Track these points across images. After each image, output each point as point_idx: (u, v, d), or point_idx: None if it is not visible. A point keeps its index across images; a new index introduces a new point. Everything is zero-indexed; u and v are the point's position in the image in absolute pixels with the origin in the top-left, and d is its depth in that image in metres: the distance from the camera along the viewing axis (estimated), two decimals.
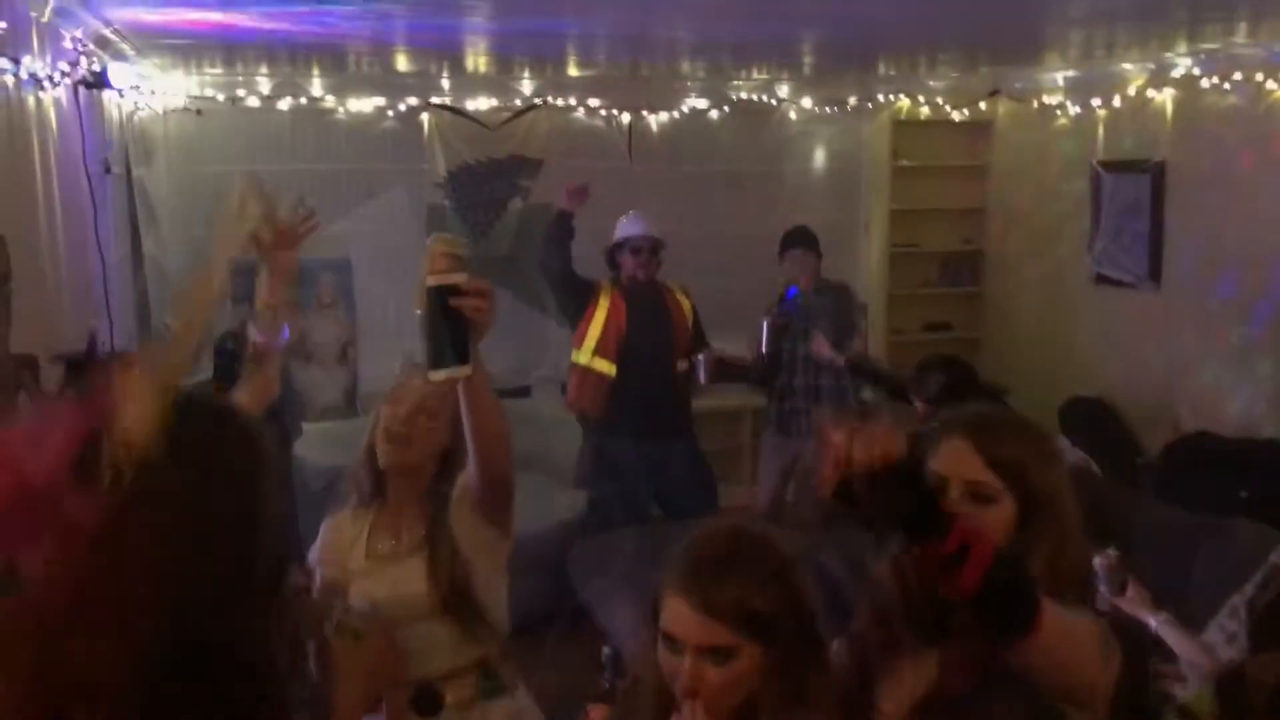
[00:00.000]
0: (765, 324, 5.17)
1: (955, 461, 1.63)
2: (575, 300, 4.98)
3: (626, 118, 6.60)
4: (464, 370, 1.74)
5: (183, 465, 1.38)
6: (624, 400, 4.84)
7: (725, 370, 5.30)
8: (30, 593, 1.36)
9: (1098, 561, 2.92)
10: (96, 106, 4.07)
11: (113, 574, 1.34)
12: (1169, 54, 5.36)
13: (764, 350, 5.18)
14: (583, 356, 4.91)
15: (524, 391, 6.64)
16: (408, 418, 2.25)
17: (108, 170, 4.20)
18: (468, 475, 2.15)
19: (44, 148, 3.17)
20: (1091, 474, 4.50)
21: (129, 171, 4.92)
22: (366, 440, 2.33)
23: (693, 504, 4.77)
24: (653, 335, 4.88)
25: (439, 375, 1.72)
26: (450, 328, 1.69)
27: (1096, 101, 5.99)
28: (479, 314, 1.70)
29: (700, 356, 4.90)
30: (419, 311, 1.72)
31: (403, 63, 5.79)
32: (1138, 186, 5.69)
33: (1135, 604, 2.92)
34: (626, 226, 4.98)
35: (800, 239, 5.31)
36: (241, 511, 1.43)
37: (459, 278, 1.69)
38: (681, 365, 5.00)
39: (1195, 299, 5.41)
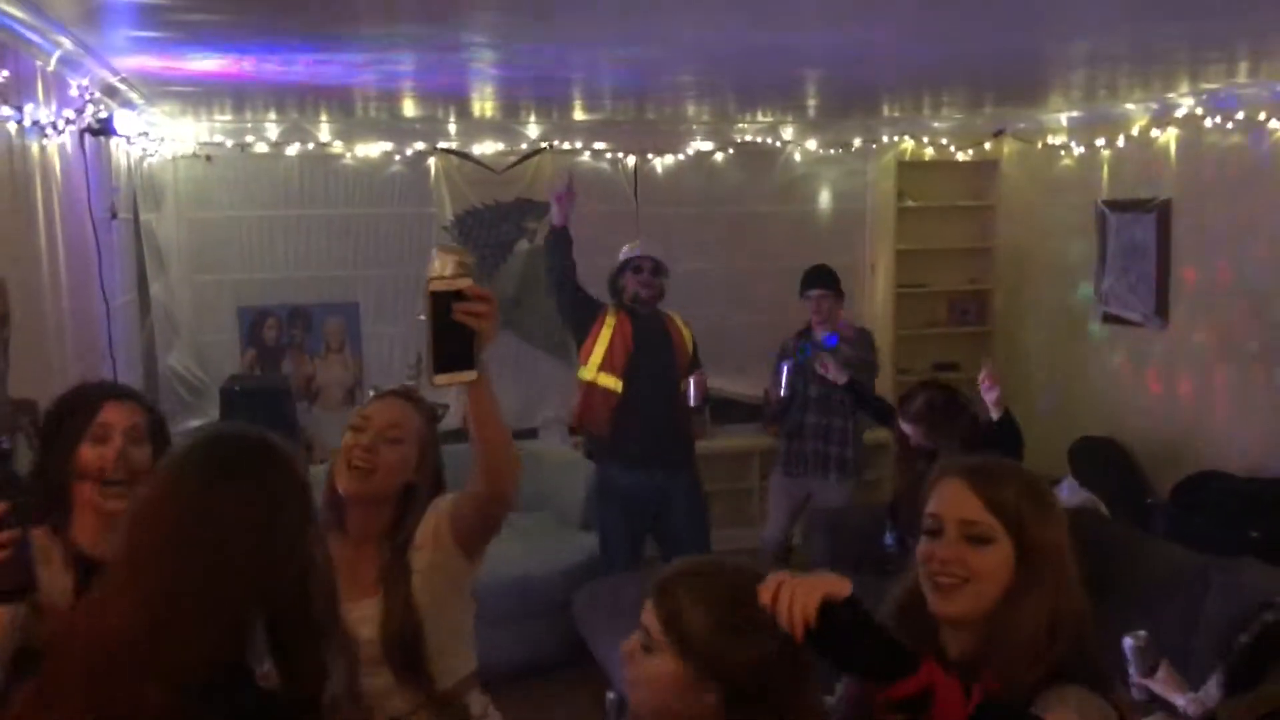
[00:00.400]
0: (785, 366, 5.15)
1: (951, 501, 1.63)
2: (580, 313, 4.95)
3: (632, 160, 6.64)
4: (469, 375, 1.71)
5: (234, 500, 1.51)
6: (629, 419, 4.81)
7: (722, 403, 5.28)
8: (80, 636, 1.48)
9: (1128, 643, 2.90)
10: (103, 153, 4.12)
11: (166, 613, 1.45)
12: (1171, 94, 5.38)
13: (782, 393, 5.18)
14: (588, 373, 4.89)
15: (530, 434, 6.64)
16: (370, 445, 2.13)
17: (114, 216, 4.24)
18: (462, 494, 2.08)
19: (47, 193, 3.20)
20: (1099, 514, 4.46)
21: (136, 217, 4.96)
22: (328, 467, 2.23)
23: (687, 538, 4.72)
24: (657, 356, 4.86)
25: (442, 379, 1.71)
26: (454, 333, 1.68)
27: (1100, 141, 6.01)
28: (482, 321, 1.69)
29: (691, 378, 4.84)
30: (421, 317, 1.71)
31: (410, 108, 5.85)
32: (1143, 225, 5.68)
33: (1166, 686, 2.88)
34: (629, 250, 5.01)
35: (822, 279, 5.31)
36: (292, 542, 1.55)
37: (464, 283, 1.69)
38: (683, 387, 4.97)
39: (1203, 337, 5.39)
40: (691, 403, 4.84)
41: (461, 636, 2.26)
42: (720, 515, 6.43)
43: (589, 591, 4.76)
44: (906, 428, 4.16)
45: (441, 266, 1.73)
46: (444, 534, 2.14)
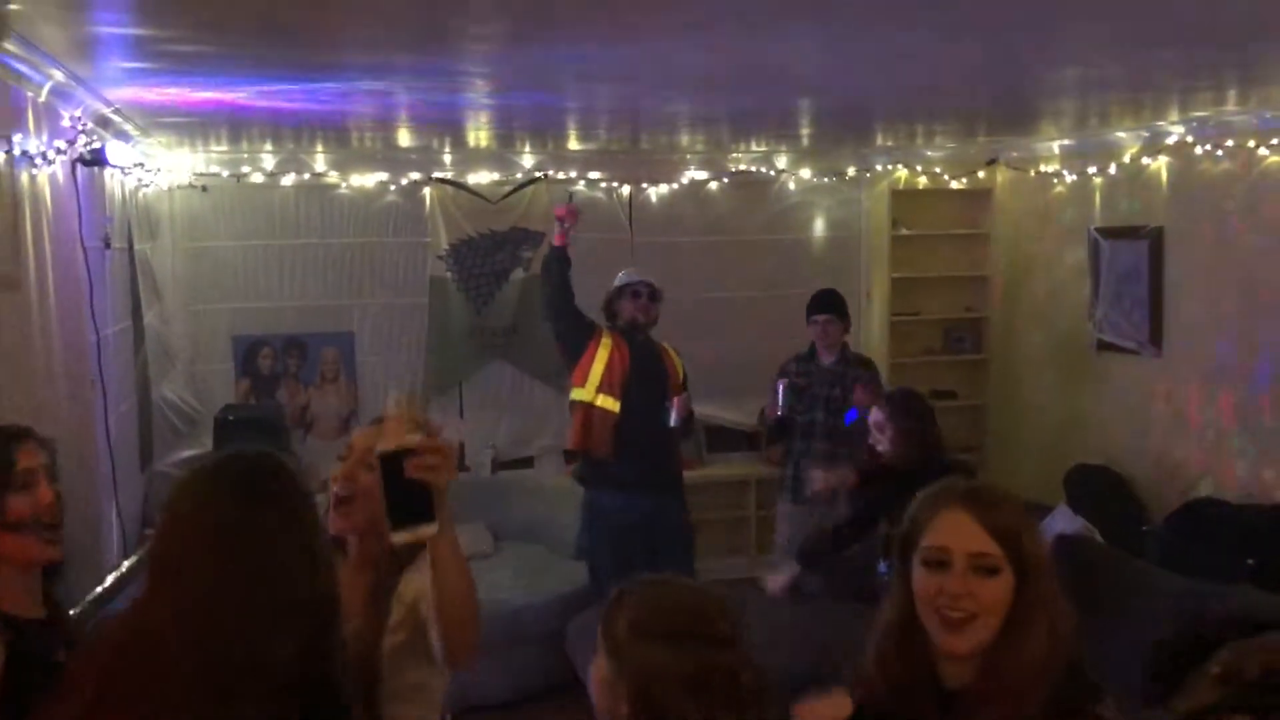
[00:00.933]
0: (781, 385, 5.16)
1: (958, 534, 1.62)
2: (577, 338, 4.96)
3: (627, 190, 6.67)
4: (429, 529, 1.71)
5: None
6: (624, 441, 4.82)
7: (716, 431, 5.27)
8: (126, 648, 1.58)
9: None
10: (96, 183, 4.13)
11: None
12: (1162, 122, 5.40)
13: (780, 413, 5.17)
14: (586, 394, 4.89)
15: (526, 462, 6.64)
16: (348, 474, 2.12)
17: (108, 245, 4.25)
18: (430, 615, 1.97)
19: (36, 223, 3.20)
20: (1094, 542, 4.45)
21: (131, 247, 4.97)
22: (324, 505, 2.20)
23: (673, 565, 4.68)
24: (651, 381, 4.89)
25: (401, 536, 1.71)
26: (408, 488, 1.69)
27: (1093, 169, 6.03)
28: (433, 473, 1.69)
29: (675, 399, 4.84)
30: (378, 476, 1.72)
31: (405, 138, 5.88)
32: (1136, 252, 5.69)
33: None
34: (625, 275, 5.04)
35: (829, 304, 5.32)
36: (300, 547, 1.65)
37: (413, 440, 1.70)
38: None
39: (1197, 363, 5.39)
40: (671, 422, 4.82)
41: (424, 694, 2.17)
42: (716, 543, 6.43)
43: (581, 620, 4.74)
44: (877, 418, 4.14)
45: (392, 430, 1.74)
46: (417, 652, 2.07)
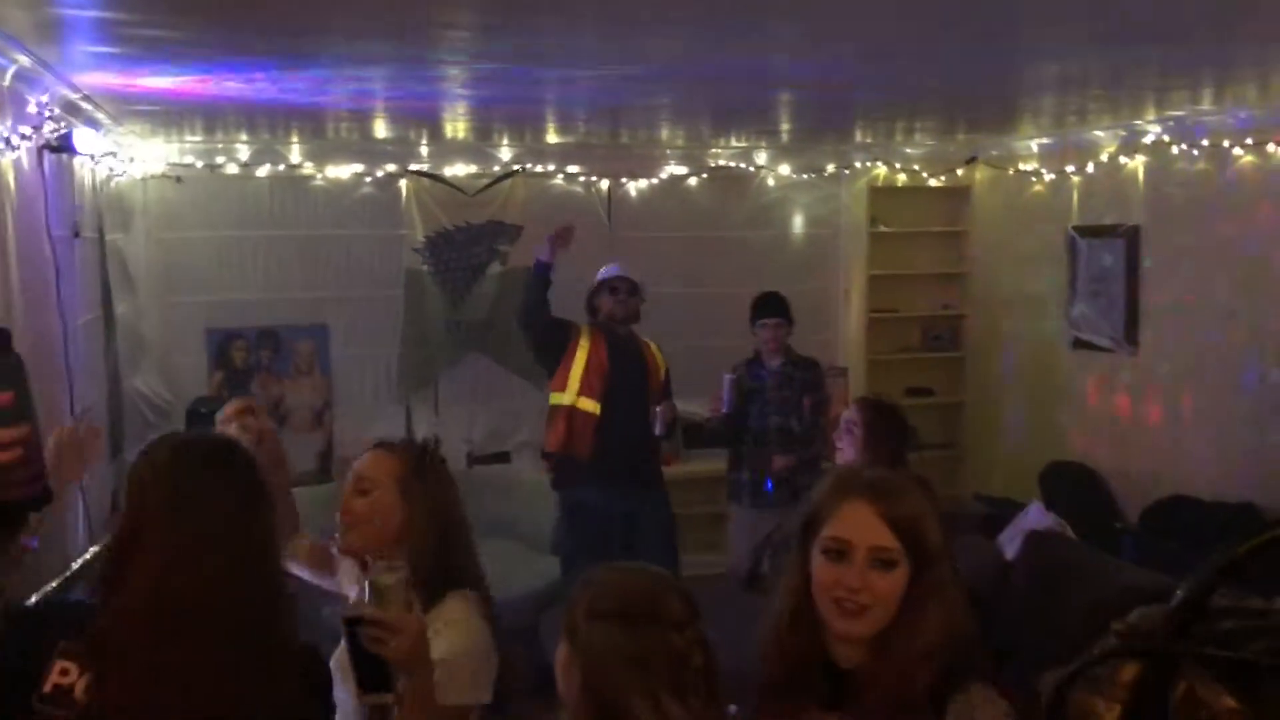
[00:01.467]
0: (728, 380, 5.14)
1: (859, 527, 1.65)
2: (554, 346, 4.97)
3: (605, 184, 6.64)
4: (386, 697, 1.75)
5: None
6: (606, 438, 4.82)
7: (692, 427, 5.27)
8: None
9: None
10: (65, 171, 4.07)
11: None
12: (1139, 121, 5.42)
13: (725, 409, 5.13)
14: (566, 398, 4.88)
15: (503, 457, 6.60)
16: (344, 502, 2.18)
17: (76, 235, 4.19)
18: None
19: (0, 211, 3.16)
20: (1066, 538, 4.45)
21: (102, 237, 4.91)
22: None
23: (654, 559, 4.65)
24: (632, 376, 4.89)
25: (367, 699, 1.76)
26: (368, 655, 1.72)
27: (1070, 168, 6.05)
28: (379, 646, 1.70)
29: (659, 408, 4.88)
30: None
31: (381, 129, 5.84)
32: (1112, 251, 5.71)
33: None
34: (605, 270, 5.04)
35: (774, 307, 5.27)
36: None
37: (365, 611, 1.73)
38: (652, 416, 4.95)
39: (1172, 362, 5.41)
40: (656, 431, 4.87)
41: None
42: (691, 540, 6.39)
43: (554, 615, 4.71)
44: (850, 417, 3.94)
45: (373, 595, 1.79)
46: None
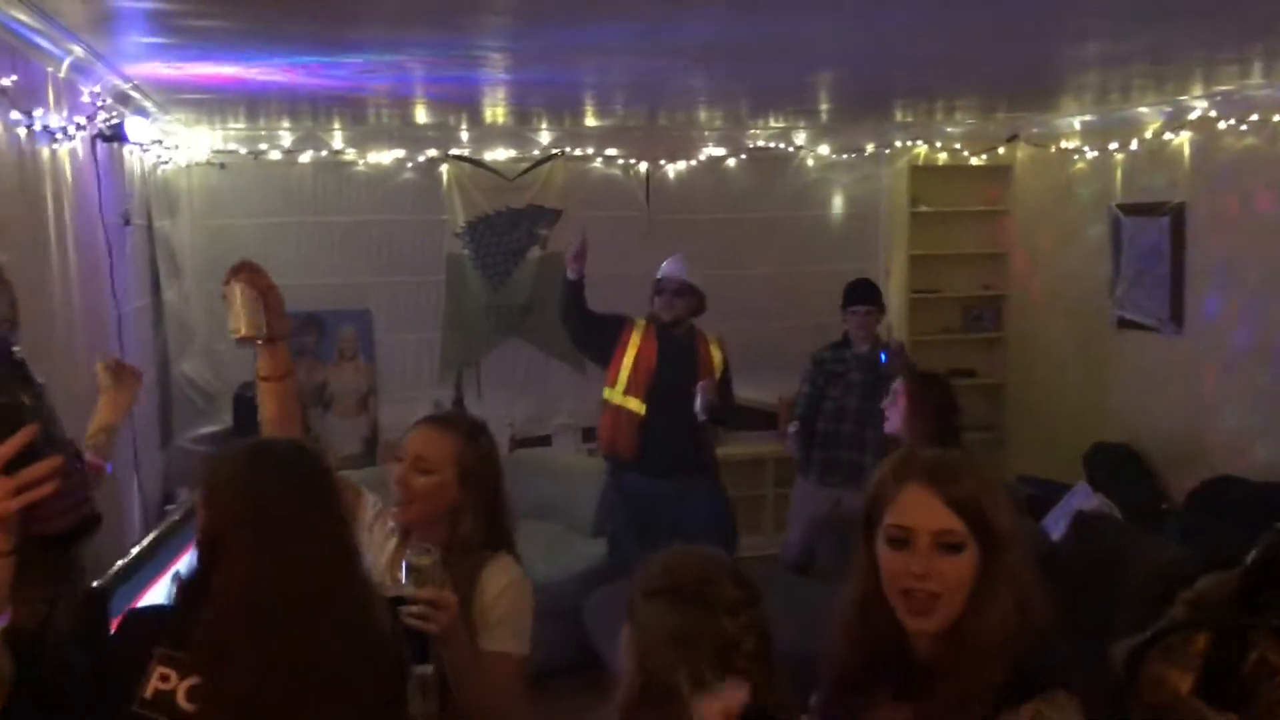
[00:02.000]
0: (792, 431, 5.26)
1: (920, 512, 1.60)
2: (594, 344, 5.01)
3: (644, 167, 6.64)
4: (426, 669, 1.91)
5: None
6: (651, 438, 4.84)
7: (734, 415, 5.26)
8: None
9: None
10: (116, 160, 4.14)
11: None
12: (1185, 97, 5.34)
13: (795, 453, 5.27)
14: (615, 395, 4.91)
15: (544, 440, 6.64)
16: (402, 477, 2.26)
17: (127, 222, 4.26)
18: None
19: (57, 198, 3.22)
20: (1113, 519, 4.43)
21: (150, 224, 4.98)
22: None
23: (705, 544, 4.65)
24: (680, 377, 4.84)
25: (416, 670, 1.91)
26: (408, 631, 1.88)
27: (1114, 145, 5.98)
28: (421, 622, 1.89)
29: (700, 384, 4.77)
30: None
31: (422, 115, 5.87)
32: (1158, 229, 5.65)
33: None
34: (664, 267, 5.03)
35: (865, 295, 5.29)
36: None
37: (407, 591, 1.91)
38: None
39: (1218, 341, 5.35)
40: (698, 410, 4.77)
41: None
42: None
43: (600, 596, 4.75)
44: (896, 387, 4.04)
45: (410, 576, 1.96)
46: None
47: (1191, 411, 5.51)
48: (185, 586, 1.78)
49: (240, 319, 2.29)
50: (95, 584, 2.41)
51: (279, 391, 2.38)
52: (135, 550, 3.52)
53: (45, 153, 3.14)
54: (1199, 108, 5.33)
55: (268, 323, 2.30)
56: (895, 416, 3.97)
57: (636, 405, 4.85)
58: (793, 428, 5.32)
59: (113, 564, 3.31)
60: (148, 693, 1.64)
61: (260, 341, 2.32)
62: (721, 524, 4.97)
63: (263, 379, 2.37)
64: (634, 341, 4.88)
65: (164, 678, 1.65)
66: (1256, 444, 5.09)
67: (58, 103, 3.30)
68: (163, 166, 5.38)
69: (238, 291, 2.30)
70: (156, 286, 5.13)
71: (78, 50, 3.28)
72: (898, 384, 4.03)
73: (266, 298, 2.31)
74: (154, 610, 2.00)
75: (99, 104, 3.68)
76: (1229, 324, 5.27)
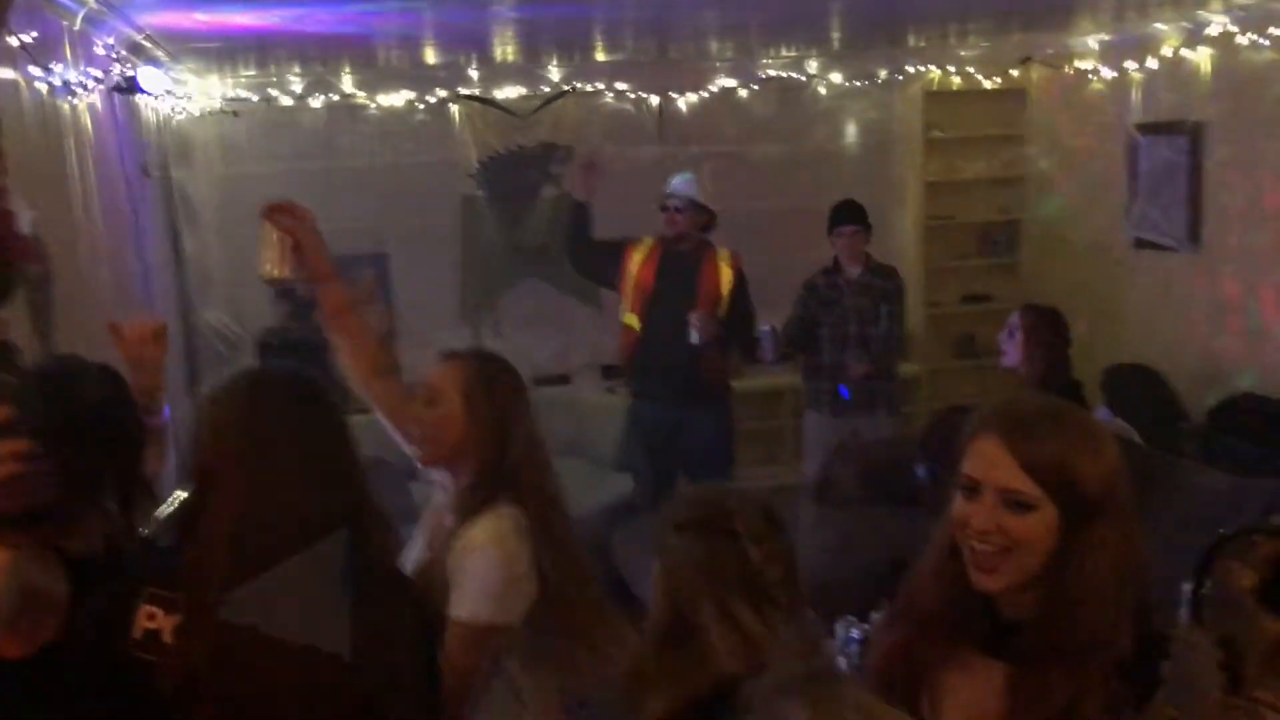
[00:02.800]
0: (765, 333, 4.96)
1: (988, 465, 1.50)
2: (598, 271, 5.00)
3: (656, 100, 6.60)
4: None
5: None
6: (646, 355, 4.82)
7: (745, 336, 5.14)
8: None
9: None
10: (132, 111, 4.15)
11: None
12: (1203, 12, 5.26)
13: (769, 358, 5.04)
14: (624, 315, 4.92)
15: (563, 379, 6.69)
16: (415, 413, 2.21)
17: (145, 174, 4.28)
18: None
19: (80, 153, 3.24)
20: (1134, 443, 4.45)
21: (167, 174, 5.00)
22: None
23: (706, 474, 4.63)
24: (678, 294, 4.74)
25: None
26: None
27: (1131, 64, 5.90)
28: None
29: (693, 315, 4.64)
30: None
31: (431, 55, 5.84)
32: (1175, 148, 5.60)
33: None
34: (670, 184, 4.91)
35: (851, 215, 5.22)
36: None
37: None
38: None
39: (1237, 259, 5.33)
40: (692, 339, 4.65)
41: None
42: (752, 454, 6.47)
43: (627, 531, 4.82)
44: (1012, 322, 4.05)
45: None
46: None
47: (1210, 331, 5.51)
48: (177, 524, 1.73)
49: (265, 258, 2.31)
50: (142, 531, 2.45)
51: (341, 329, 2.36)
52: (172, 497, 3.59)
53: (65, 107, 3.16)
54: (1219, 23, 5.25)
55: (303, 264, 2.31)
56: (1013, 350, 3.96)
57: (632, 321, 4.84)
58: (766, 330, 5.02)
59: (154, 512, 3.37)
60: (136, 633, 1.61)
61: (281, 281, 2.35)
62: (719, 453, 4.90)
63: (325, 322, 2.37)
64: (635, 259, 4.85)
65: (151, 616, 1.61)
66: (1277, 360, 5.10)
67: (74, 56, 3.30)
68: (177, 117, 5.37)
69: (268, 231, 2.32)
70: (175, 236, 5.16)
71: (91, 1, 3.28)
72: (1015, 318, 4.02)
73: (299, 239, 2.31)
74: (149, 550, 1.95)
75: (113, 55, 3.67)
76: (1248, 240, 5.25)
